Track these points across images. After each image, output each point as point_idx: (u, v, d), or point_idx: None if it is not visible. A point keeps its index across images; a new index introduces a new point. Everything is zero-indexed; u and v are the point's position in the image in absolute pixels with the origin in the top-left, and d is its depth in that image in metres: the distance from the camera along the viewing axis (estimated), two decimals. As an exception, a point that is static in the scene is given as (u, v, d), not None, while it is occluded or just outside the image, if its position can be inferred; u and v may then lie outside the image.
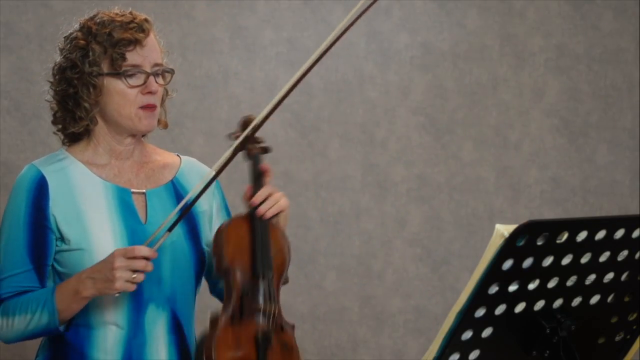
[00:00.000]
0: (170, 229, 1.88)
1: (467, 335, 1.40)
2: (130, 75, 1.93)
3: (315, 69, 3.48)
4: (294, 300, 3.46)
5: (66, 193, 1.95)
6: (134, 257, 1.80)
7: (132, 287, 1.82)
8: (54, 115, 2.06)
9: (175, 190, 2.05)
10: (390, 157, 3.57)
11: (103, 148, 2.01)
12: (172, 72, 2.02)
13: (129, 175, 2.02)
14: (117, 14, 1.98)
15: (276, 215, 2.00)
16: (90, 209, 1.94)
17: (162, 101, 2.05)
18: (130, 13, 1.98)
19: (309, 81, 3.50)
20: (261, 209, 1.96)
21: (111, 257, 1.81)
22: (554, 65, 3.68)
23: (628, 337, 1.62)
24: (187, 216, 1.99)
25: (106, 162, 2.01)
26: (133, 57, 1.93)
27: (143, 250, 1.81)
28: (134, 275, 1.81)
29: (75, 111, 1.99)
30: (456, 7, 3.59)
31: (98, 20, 1.98)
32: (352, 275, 3.55)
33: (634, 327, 1.61)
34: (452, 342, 1.38)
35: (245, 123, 2.02)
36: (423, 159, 3.59)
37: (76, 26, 2.03)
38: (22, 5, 3.23)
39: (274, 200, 1.98)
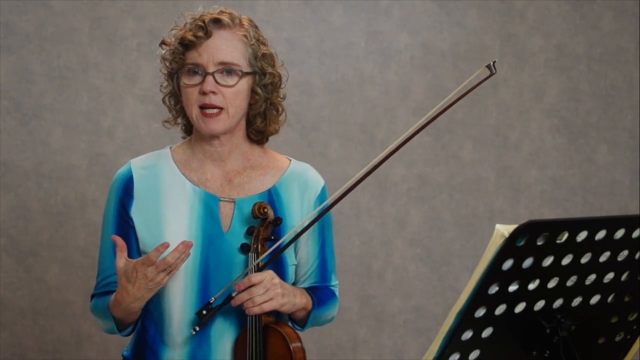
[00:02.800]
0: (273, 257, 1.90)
1: (467, 335, 1.40)
2: (192, 75, 1.92)
3: (315, 69, 3.50)
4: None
5: (151, 195, 1.96)
6: (155, 264, 1.79)
7: (172, 274, 1.83)
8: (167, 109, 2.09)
9: (271, 199, 1.99)
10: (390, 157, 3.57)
11: (198, 148, 2.00)
12: (260, 74, 1.96)
13: (221, 181, 1.99)
14: (208, 11, 1.96)
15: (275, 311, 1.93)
16: (171, 214, 1.94)
17: (258, 104, 1.98)
18: (206, 13, 1.94)
19: (309, 81, 3.50)
20: (244, 305, 1.87)
21: (140, 274, 1.79)
22: (554, 65, 3.68)
23: (628, 337, 1.61)
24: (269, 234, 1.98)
25: (201, 164, 2.00)
26: (192, 56, 1.91)
27: (153, 255, 1.79)
28: (168, 271, 1.81)
29: (169, 110, 2.04)
30: (456, 7, 3.59)
31: (184, 21, 1.97)
32: (352, 275, 3.55)
33: (634, 327, 1.61)
34: (452, 342, 1.38)
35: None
36: (423, 159, 3.60)
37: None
38: (22, 5, 3.23)
39: (257, 292, 1.86)
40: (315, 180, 2.07)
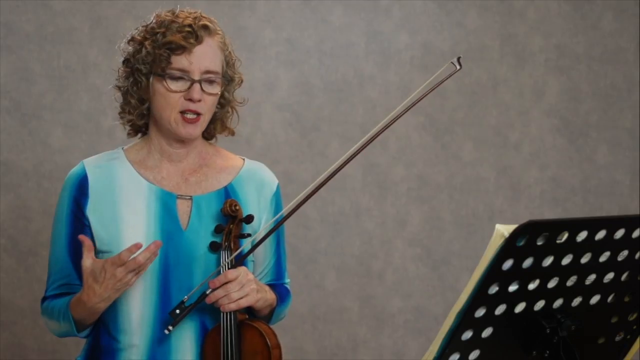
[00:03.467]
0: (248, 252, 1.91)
1: (467, 335, 1.40)
2: (176, 79, 1.90)
3: (315, 69, 3.50)
4: (294, 300, 3.46)
5: (106, 194, 1.95)
6: (125, 263, 1.79)
7: (140, 274, 1.83)
8: (120, 105, 2.05)
9: (227, 196, 2.00)
10: (390, 157, 3.57)
11: (155, 148, 2.00)
12: (230, 80, 1.98)
13: (177, 179, 2.00)
14: (185, 14, 1.94)
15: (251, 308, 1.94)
16: (128, 212, 1.93)
17: (225, 108, 2.01)
18: (195, 17, 1.93)
19: (309, 81, 3.50)
20: (219, 302, 1.87)
21: (109, 274, 1.79)
22: (554, 65, 3.68)
23: (628, 337, 1.62)
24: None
25: (157, 163, 1.99)
26: (180, 61, 1.90)
27: (124, 255, 1.79)
28: (137, 271, 1.81)
29: (126, 105, 2.00)
30: (456, 7, 3.59)
31: (161, 19, 1.95)
32: (352, 275, 3.55)
33: (634, 327, 1.61)
34: (452, 342, 1.38)
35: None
36: (423, 159, 3.59)
37: (148, 19, 2.00)
38: (22, 5, 3.23)
39: (233, 289, 1.86)
40: (271, 178, 2.10)
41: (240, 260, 1.91)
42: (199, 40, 1.90)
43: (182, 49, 1.89)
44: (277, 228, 1.93)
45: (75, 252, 1.95)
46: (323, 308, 3.52)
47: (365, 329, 3.56)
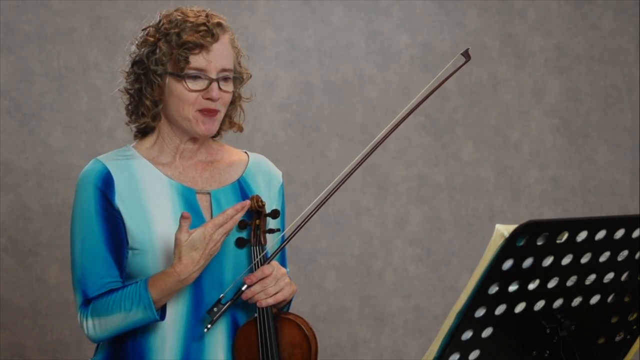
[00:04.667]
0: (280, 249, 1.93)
1: (467, 335, 1.40)
2: (194, 79, 1.90)
3: (315, 69, 3.50)
4: (294, 300, 3.46)
5: (131, 189, 1.93)
6: (224, 224, 1.83)
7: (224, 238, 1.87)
8: (126, 107, 2.02)
9: (242, 189, 2.02)
10: (390, 157, 3.57)
11: (167, 146, 1.99)
12: (240, 78, 1.99)
13: (193, 174, 2.00)
14: (194, 12, 1.94)
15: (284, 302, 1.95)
16: (155, 207, 1.92)
17: (234, 105, 2.02)
18: (207, 15, 1.93)
19: (309, 81, 3.50)
20: (255, 297, 1.89)
21: (208, 238, 1.81)
22: (554, 65, 3.68)
23: (628, 337, 1.62)
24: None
25: (170, 160, 1.99)
26: (198, 60, 1.90)
27: (230, 212, 1.82)
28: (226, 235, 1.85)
29: (139, 107, 1.97)
30: (456, 7, 3.59)
31: (172, 18, 1.94)
32: (352, 275, 3.55)
33: (634, 327, 1.61)
34: (452, 342, 1.38)
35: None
36: (423, 159, 3.59)
37: (155, 19, 1.98)
38: (22, 5, 3.23)
39: (269, 284, 1.89)
40: (276, 170, 2.12)
41: (273, 255, 1.92)
42: (215, 38, 1.91)
43: (200, 48, 1.89)
44: (302, 225, 1.93)
45: (115, 246, 1.91)
46: (323, 308, 3.52)
47: (365, 329, 3.56)
